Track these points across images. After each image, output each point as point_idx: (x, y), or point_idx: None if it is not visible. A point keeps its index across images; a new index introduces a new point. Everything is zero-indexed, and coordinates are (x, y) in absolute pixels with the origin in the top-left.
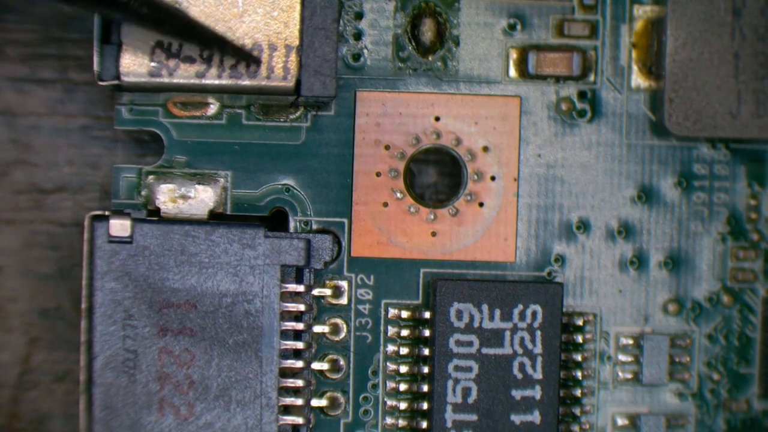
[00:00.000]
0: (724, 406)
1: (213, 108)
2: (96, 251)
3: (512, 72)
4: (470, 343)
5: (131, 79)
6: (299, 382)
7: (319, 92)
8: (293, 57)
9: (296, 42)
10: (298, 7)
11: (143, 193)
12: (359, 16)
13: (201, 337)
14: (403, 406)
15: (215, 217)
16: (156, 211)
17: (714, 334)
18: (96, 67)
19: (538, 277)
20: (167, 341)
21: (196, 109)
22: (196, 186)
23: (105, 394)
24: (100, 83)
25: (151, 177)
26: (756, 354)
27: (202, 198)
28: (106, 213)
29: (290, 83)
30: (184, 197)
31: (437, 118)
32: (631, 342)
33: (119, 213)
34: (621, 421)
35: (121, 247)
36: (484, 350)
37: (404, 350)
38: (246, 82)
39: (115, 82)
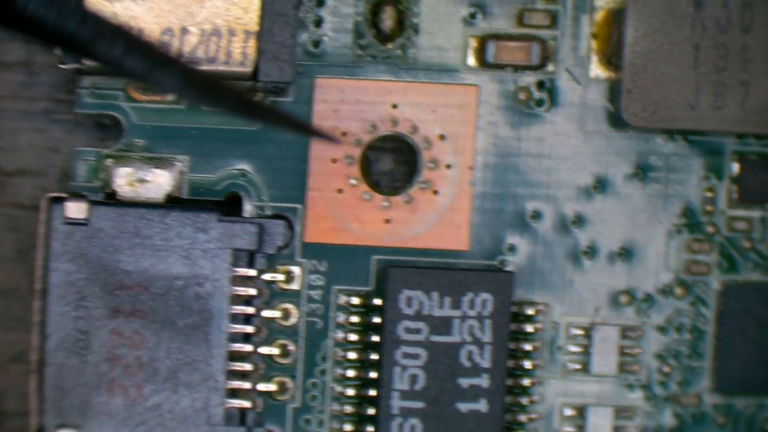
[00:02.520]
0: (674, 399)
1: None
2: (52, 233)
3: (471, 61)
4: (419, 331)
5: (89, 63)
6: (247, 366)
7: (277, 78)
8: (252, 42)
9: (255, 28)
10: None
11: (101, 176)
12: (320, 2)
13: (152, 319)
14: (350, 392)
15: (172, 201)
16: (113, 195)
17: (666, 327)
18: (57, 50)
19: (490, 265)
20: (119, 323)
21: (156, 93)
22: (154, 170)
23: (56, 375)
24: (62, 66)
25: (109, 160)
26: (708, 348)
27: (159, 182)
28: (63, 195)
29: (248, 69)
30: (142, 181)
31: (395, 106)
32: (581, 332)
33: (76, 195)
34: (568, 412)
35: (77, 228)
36: (433, 338)
37: (353, 337)
38: (204, 67)
39: (76, 65)
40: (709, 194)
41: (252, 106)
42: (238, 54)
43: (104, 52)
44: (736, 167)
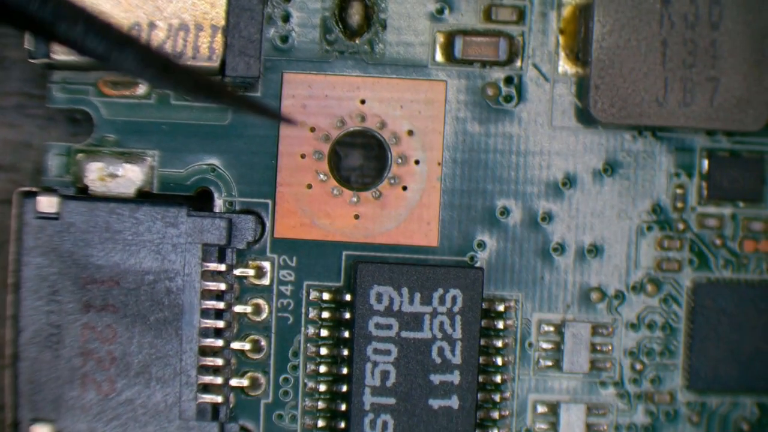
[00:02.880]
0: (647, 396)
1: (142, 87)
2: (24, 227)
3: (439, 56)
4: (390, 327)
5: (61, 57)
6: (219, 361)
7: (243, 73)
8: (219, 37)
9: (222, 22)
10: None
11: (72, 171)
12: None
13: (123, 313)
14: (322, 388)
15: (142, 196)
16: (85, 189)
17: (637, 324)
18: (27, 45)
19: (460, 261)
20: (90, 317)
21: (126, 88)
22: (124, 165)
23: (30, 369)
24: (32, 61)
25: (80, 155)
26: (680, 345)
27: (130, 177)
28: (35, 189)
29: (215, 63)
30: (113, 176)
31: (363, 101)
32: (552, 329)
33: (47, 190)
34: (541, 409)
35: (48, 223)
36: (404, 334)
37: (325, 332)
38: None
39: (46, 60)
40: (679, 191)
41: (212, 88)
42: (205, 49)
43: (66, 33)
44: (706, 164)
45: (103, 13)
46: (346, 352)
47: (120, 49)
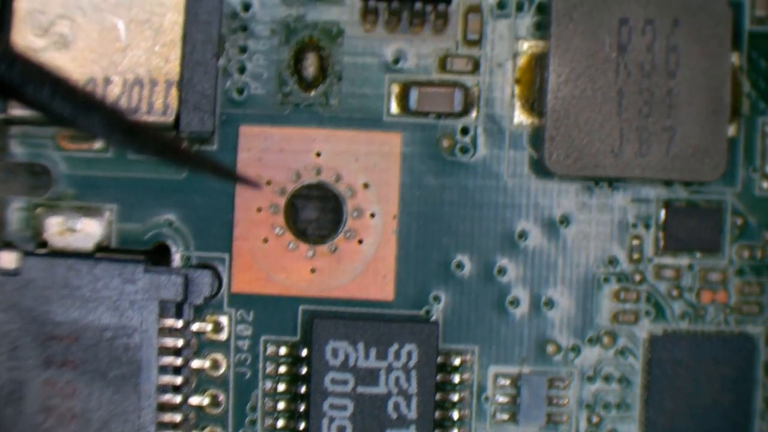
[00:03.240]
0: None
1: (100, 142)
2: None
3: (394, 108)
4: (345, 382)
5: (18, 113)
6: (177, 417)
7: (198, 128)
8: (173, 92)
9: (176, 77)
10: (179, 42)
11: (33, 225)
12: (243, 50)
13: (83, 370)
14: None
15: (101, 251)
16: (45, 244)
17: (593, 376)
18: None
19: (416, 315)
20: (51, 373)
21: (84, 142)
22: (83, 219)
23: None
24: None
25: (39, 209)
26: (637, 397)
27: (89, 231)
28: None
29: (170, 119)
30: (72, 230)
31: (318, 154)
32: (508, 382)
33: (8, 245)
34: None
35: (8, 279)
36: (360, 389)
37: (282, 387)
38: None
39: (4, 116)
40: (635, 242)
41: (176, 152)
42: (159, 104)
43: (32, 95)
44: (663, 214)
45: (66, 73)
46: (303, 407)
47: (86, 113)
